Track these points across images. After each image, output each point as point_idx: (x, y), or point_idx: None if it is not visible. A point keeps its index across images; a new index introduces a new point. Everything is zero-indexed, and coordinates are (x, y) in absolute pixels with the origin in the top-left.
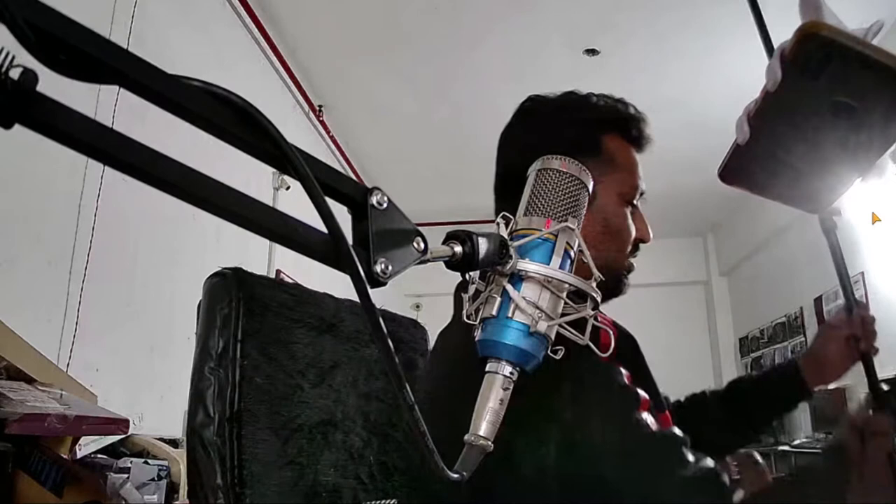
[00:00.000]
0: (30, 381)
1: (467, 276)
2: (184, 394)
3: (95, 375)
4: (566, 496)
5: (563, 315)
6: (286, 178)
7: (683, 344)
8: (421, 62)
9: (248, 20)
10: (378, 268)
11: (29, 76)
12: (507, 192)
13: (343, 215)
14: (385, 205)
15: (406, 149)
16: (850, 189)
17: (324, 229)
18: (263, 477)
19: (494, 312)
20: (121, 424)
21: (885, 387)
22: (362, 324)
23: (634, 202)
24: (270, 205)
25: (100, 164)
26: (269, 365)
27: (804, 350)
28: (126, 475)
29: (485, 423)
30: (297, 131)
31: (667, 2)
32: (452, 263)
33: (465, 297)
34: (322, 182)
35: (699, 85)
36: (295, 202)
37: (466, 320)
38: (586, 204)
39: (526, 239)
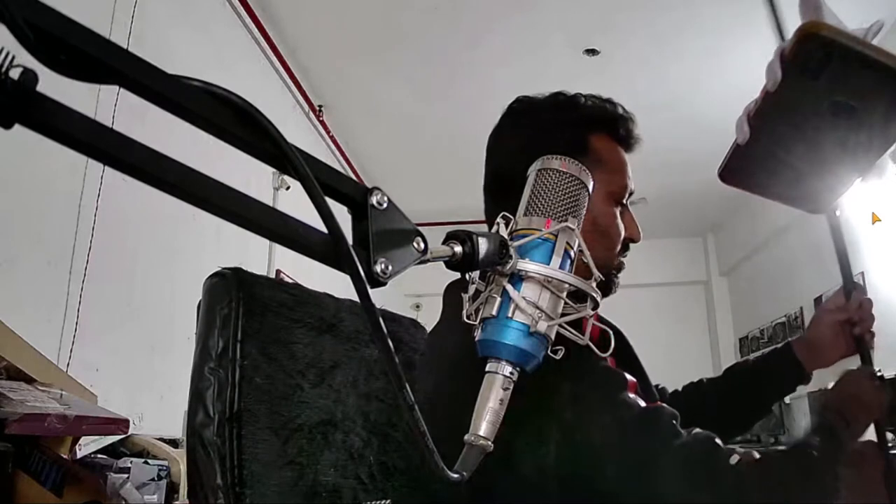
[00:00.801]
0: (30, 381)
1: (467, 276)
2: (184, 394)
3: (95, 375)
4: (566, 496)
5: (563, 315)
6: (286, 178)
7: (683, 344)
8: (421, 62)
9: (248, 20)
10: (378, 268)
11: (29, 76)
12: (498, 192)
13: (343, 215)
14: (385, 205)
15: (406, 149)
16: (850, 189)
17: (324, 229)
18: (263, 477)
19: (494, 312)
20: (121, 424)
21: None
22: (362, 324)
23: (624, 202)
24: (270, 205)
25: (100, 164)
26: (269, 365)
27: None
28: (126, 475)
29: (485, 423)
30: (297, 131)
31: (667, 2)
32: (452, 263)
33: (465, 297)
34: (322, 182)
35: (699, 85)
36: (295, 202)
37: (466, 320)
38: (586, 204)
39: (526, 239)
